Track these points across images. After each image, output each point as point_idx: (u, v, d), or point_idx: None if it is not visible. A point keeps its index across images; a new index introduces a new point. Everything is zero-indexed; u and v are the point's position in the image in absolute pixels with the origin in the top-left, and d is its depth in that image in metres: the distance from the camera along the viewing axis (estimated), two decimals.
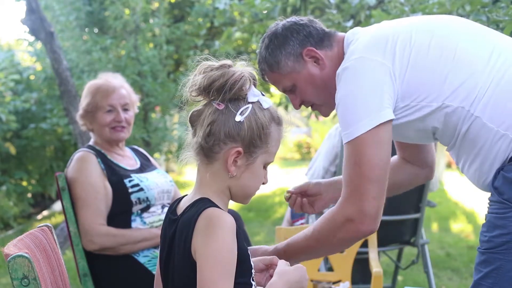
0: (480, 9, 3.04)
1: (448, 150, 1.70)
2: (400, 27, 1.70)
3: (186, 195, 1.48)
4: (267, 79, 1.83)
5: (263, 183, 1.46)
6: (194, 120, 1.42)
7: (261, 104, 1.41)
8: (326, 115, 1.86)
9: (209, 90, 1.38)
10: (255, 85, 1.44)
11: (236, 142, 1.38)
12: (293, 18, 1.80)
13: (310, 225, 1.73)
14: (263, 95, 1.43)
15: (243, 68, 1.42)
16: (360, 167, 1.57)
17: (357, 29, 1.79)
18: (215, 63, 1.41)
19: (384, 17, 3.53)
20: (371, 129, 1.56)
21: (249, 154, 1.39)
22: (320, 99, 1.79)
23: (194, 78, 1.40)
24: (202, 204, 1.36)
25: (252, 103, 1.40)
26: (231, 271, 1.29)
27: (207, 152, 1.39)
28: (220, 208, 1.35)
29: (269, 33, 1.79)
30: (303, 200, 1.92)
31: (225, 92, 1.37)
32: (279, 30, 1.77)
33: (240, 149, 1.38)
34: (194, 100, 1.42)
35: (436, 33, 1.65)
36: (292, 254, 1.69)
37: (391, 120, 1.59)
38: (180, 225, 1.37)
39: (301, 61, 1.75)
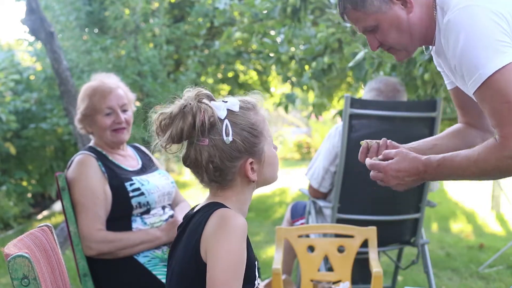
0: None
1: None
2: None
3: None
4: (346, 18, 1.78)
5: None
6: (189, 164, 1.42)
7: (232, 111, 1.39)
8: (401, 59, 1.83)
9: (182, 137, 1.37)
10: (213, 99, 1.41)
11: (242, 157, 1.38)
12: None
13: (469, 149, 1.65)
14: (224, 101, 1.41)
15: (191, 93, 1.39)
16: (510, 102, 1.52)
17: None
18: (167, 111, 1.39)
19: None
20: (507, 65, 1.52)
21: (258, 155, 1.40)
22: (401, 43, 1.77)
23: (160, 135, 1.39)
24: (214, 205, 1.38)
25: (225, 118, 1.38)
26: (241, 273, 1.30)
27: (223, 183, 1.40)
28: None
29: None
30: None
31: (202, 131, 1.36)
32: None
33: (249, 159, 1.39)
34: (172, 152, 1.40)
35: None
36: (445, 168, 1.66)
37: None
38: (192, 224, 1.40)
39: (389, 2, 1.71)
